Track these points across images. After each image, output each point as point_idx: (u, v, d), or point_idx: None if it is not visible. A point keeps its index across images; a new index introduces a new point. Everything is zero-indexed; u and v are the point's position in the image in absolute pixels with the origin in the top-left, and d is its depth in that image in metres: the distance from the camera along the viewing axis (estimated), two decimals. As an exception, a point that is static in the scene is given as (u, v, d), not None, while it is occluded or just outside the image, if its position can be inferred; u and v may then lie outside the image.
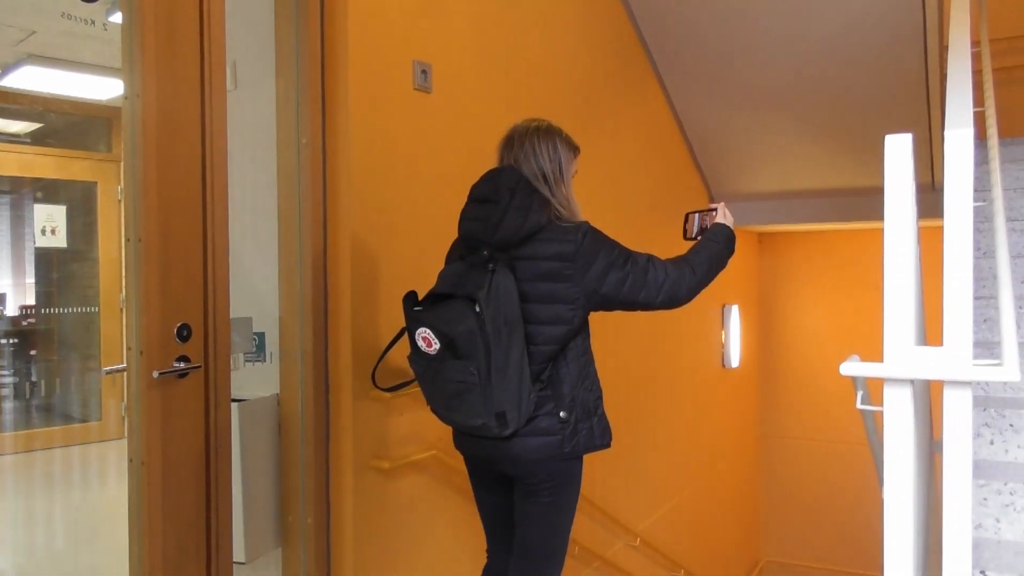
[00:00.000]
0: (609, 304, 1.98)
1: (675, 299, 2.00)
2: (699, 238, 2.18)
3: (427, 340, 1.89)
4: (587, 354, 2.02)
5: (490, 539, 2.23)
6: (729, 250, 2.14)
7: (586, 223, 1.97)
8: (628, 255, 1.97)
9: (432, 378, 1.95)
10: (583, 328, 1.99)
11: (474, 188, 2.02)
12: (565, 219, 1.97)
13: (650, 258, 2.00)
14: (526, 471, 1.97)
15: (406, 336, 2.04)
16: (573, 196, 2.04)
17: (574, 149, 2.07)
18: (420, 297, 1.99)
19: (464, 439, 2.09)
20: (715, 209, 2.21)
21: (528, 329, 1.89)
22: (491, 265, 1.86)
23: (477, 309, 1.81)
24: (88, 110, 4.97)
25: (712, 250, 2.10)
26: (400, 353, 2.24)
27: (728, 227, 2.17)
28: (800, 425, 7.11)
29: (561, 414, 1.93)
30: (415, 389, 2.54)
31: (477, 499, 2.20)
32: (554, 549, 2.05)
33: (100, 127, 5.23)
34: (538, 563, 2.05)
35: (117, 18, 2.05)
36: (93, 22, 3.57)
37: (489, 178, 1.99)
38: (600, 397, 2.05)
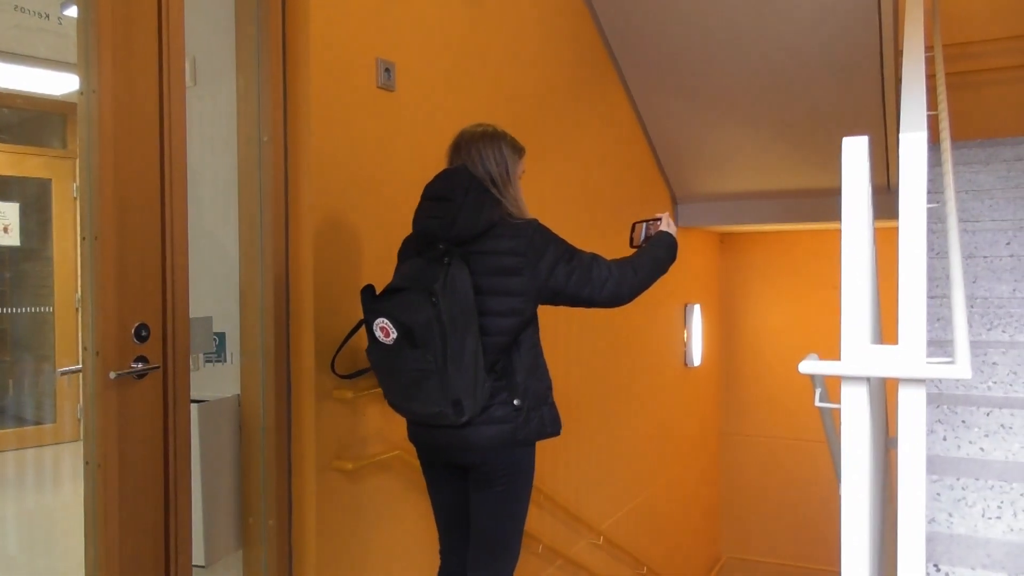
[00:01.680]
0: (557, 298, 2.06)
1: (618, 297, 2.09)
2: (643, 245, 2.28)
3: (385, 330, 1.95)
4: (537, 346, 2.11)
5: (444, 541, 2.27)
6: (671, 256, 2.23)
7: (535, 220, 2.06)
8: (574, 251, 2.06)
9: (389, 368, 2.00)
10: (533, 320, 2.08)
11: (428, 187, 2.09)
12: (515, 217, 2.06)
13: (594, 256, 2.08)
14: (481, 459, 2.03)
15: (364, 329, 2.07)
16: (521, 196, 2.13)
17: (519, 151, 2.16)
18: (378, 291, 2.04)
19: (419, 430, 2.13)
20: (660, 219, 2.31)
21: (482, 321, 1.96)
22: (447, 259, 1.94)
23: (434, 300, 1.88)
24: (42, 105, 4.85)
25: (654, 255, 2.19)
26: (362, 346, 2.22)
27: (671, 235, 2.27)
28: (760, 423, 7.22)
29: (515, 402, 2.01)
30: (378, 390, 2.53)
31: (432, 496, 2.24)
32: (509, 538, 2.12)
33: (54, 123, 5.11)
34: (495, 552, 2.11)
35: (72, 11, 2.00)
36: (47, 15, 3.48)
37: (444, 177, 2.07)
38: (550, 387, 2.13)
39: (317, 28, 2.34)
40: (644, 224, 2.32)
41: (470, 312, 1.92)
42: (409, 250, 2.15)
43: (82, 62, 1.87)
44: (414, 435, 2.17)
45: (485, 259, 1.98)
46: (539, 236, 2.01)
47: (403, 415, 2.12)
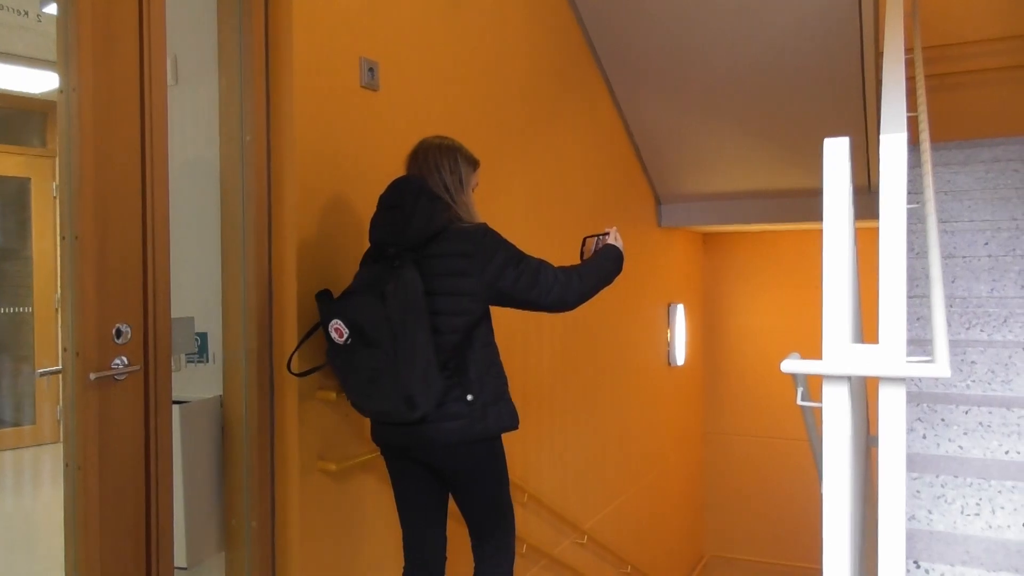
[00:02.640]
0: (506, 299, 2.13)
1: (563, 302, 2.16)
2: None
3: (339, 330, 2.03)
4: (491, 346, 2.18)
5: (408, 547, 2.31)
6: (617, 267, 2.32)
7: (485, 224, 2.13)
8: (522, 256, 2.13)
9: (345, 368, 2.08)
10: (485, 319, 2.15)
11: (382, 197, 2.17)
12: (465, 222, 2.15)
13: (542, 262, 2.16)
14: (442, 457, 2.12)
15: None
16: (473, 205, 2.23)
17: (473, 163, 2.26)
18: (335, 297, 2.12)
19: (381, 429, 2.20)
20: (608, 232, 2.40)
21: (435, 321, 2.03)
22: (397, 263, 2.03)
23: (384, 301, 1.96)
24: (21, 103, 4.79)
25: (600, 265, 2.28)
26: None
27: (617, 248, 2.35)
28: (743, 422, 7.26)
29: (468, 397, 2.07)
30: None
31: (397, 498, 2.29)
32: (497, 521, 2.24)
33: (34, 121, 5.06)
34: (494, 532, 2.24)
35: (52, 9, 1.98)
36: (27, 13, 3.45)
37: (395, 187, 2.16)
38: (506, 384, 2.20)
39: (300, 27, 2.33)
40: (595, 238, 2.41)
41: (420, 311, 1.98)
42: (367, 257, 2.22)
43: (62, 60, 1.86)
44: (377, 434, 2.24)
45: (436, 262, 2.06)
46: (488, 239, 2.09)
47: (363, 414, 2.20)
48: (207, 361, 2.42)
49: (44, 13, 3.41)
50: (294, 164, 2.32)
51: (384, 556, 2.68)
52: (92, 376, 1.85)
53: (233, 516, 2.35)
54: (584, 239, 2.43)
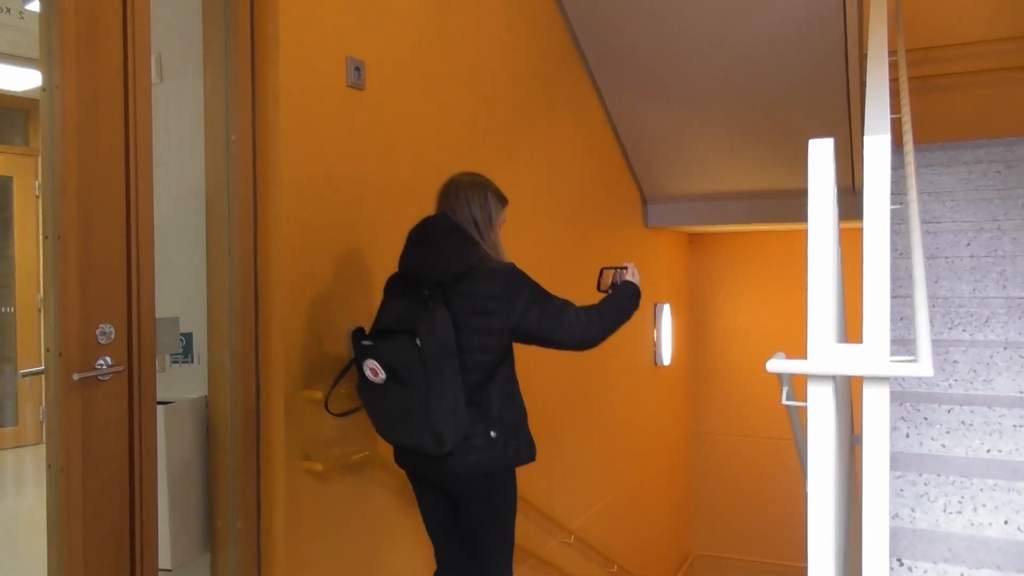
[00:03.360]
0: (529, 338, 2.19)
1: (585, 342, 2.22)
2: (610, 291, 2.41)
3: (374, 371, 2.09)
4: (513, 381, 2.25)
5: (437, 551, 2.43)
6: (635, 304, 2.37)
7: (512, 264, 2.20)
8: (547, 296, 2.19)
9: (378, 404, 2.16)
10: (508, 356, 2.22)
11: (412, 232, 2.21)
12: (493, 260, 2.21)
13: (565, 302, 2.21)
14: (463, 486, 2.20)
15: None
16: (500, 241, 2.28)
17: (503, 201, 2.31)
18: (367, 331, 2.19)
19: (406, 456, 2.29)
20: (627, 267, 2.45)
21: (461, 357, 2.09)
22: (430, 303, 2.08)
23: (418, 342, 2.02)
24: (3, 101, 4.75)
25: (620, 304, 2.33)
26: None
27: (635, 285, 2.41)
28: (729, 421, 7.29)
29: (492, 433, 2.14)
30: (348, 391, 2.52)
31: (422, 513, 2.40)
32: (502, 546, 2.31)
33: (16, 119, 5.01)
34: (492, 558, 2.31)
35: (35, 6, 1.96)
36: (8, 10, 3.41)
37: (425, 224, 2.21)
38: (525, 417, 2.28)
39: (286, 25, 2.32)
40: (613, 271, 2.46)
41: (451, 352, 2.06)
42: (395, 289, 2.27)
43: (44, 57, 1.84)
44: (401, 460, 2.32)
45: (464, 300, 2.11)
46: (515, 279, 2.15)
47: (390, 443, 2.27)
48: (192, 361, 2.40)
49: (27, 10, 3.38)
50: (280, 163, 2.31)
51: (369, 556, 2.67)
52: (75, 377, 1.83)
53: (218, 517, 2.33)
54: (602, 270, 2.48)
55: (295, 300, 2.36)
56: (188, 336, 2.40)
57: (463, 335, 2.10)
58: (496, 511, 2.26)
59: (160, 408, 2.11)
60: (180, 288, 2.37)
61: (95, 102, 1.90)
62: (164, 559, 2.16)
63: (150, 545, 2.03)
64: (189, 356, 2.41)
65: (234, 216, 2.30)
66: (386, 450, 2.66)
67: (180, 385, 2.37)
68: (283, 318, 2.32)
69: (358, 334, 2.18)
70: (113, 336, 1.93)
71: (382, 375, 2.07)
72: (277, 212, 2.31)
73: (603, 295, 2.40)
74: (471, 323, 2.11)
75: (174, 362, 2.42)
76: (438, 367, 2.03)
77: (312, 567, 2.43)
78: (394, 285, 2.28)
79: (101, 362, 1.90)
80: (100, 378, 1.90)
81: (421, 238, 2.18)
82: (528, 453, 2.25)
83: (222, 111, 2.30)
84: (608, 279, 2.46)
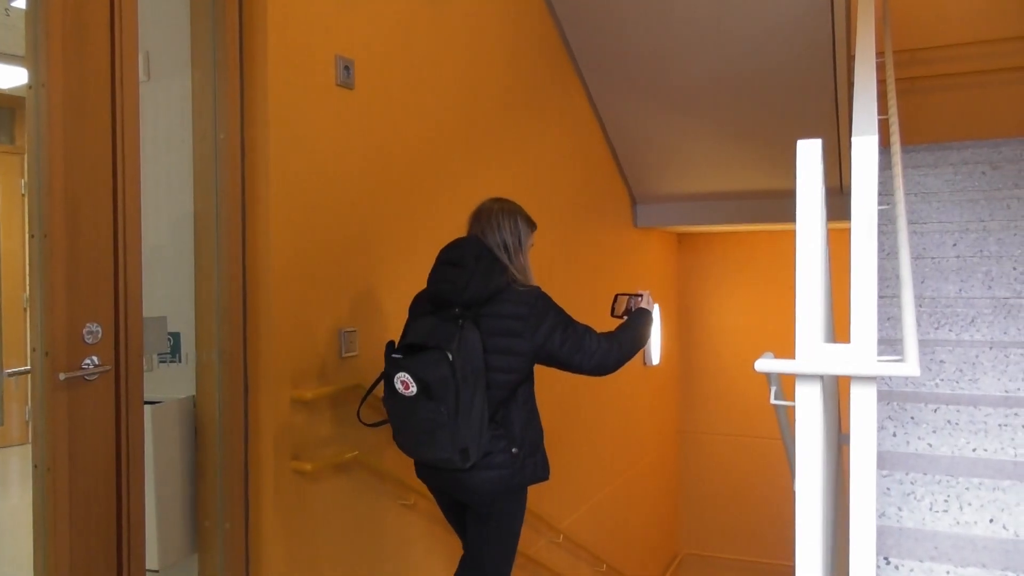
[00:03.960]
0: (550, 360, 2.26)
1: (603, 367, 2.29)
2: (624, 317, 2.48)
3: (405, 384, 2.15)
4: (532, 400, 2.33)
5: (462, 540, 2.52)
6: (649, 332, 2.47)
7: (538, 288, 2.28)
8: (570, 321, 2.27)
9: (405, 416, 2.20)
10: (530, 377, 2.30)
11: (443, 252, 2.29)
12: (520, 283, 2.29)
13: (588, 328, 2.29)
14: (480, 500, 2.27)
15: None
16: (529, 265, 2.36)
17: (532, 225, 2.39)
18: (396, 345, 2.25)
19: (427, 471, 2.36)
20: (642, 295, 2.51)
21: (487, 376, 2.18)
22: (460, 321, 2.16)
23: (450, 358, 2.09)
24: (-12, 99, 4.71)
25: (637, 333, 2.40)
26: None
27: (650, 312, 2.49)
28: (717, 421, 7.31)
29: (513, 450, 2.23)
30: (338, 392, 2.51)
31: (443, 513, 2.52)
32: (502, 563, 2.38)
33: (2, 117, 4.97)
34: (500, 564, 2.38)
35: (21, 3, 1.95)
36: (-6, 6, 3.37)
37: (456, 246, 2.29)
38: (542, 436, 2.36)
39: (275, 24, 2.31)
40: (628, 297, 2.52)
41: (480, 371, 2.14)
42: (422, 307, 2.32)
43: (31, 55, 1.82)
44: (423, 475, 2.39)
45: (492, 321, 2.19)
46: (541, 303, 2.23)
47: (413, 458, 2.33)
48: (180, 361, 2.39)
49: (12, 7, 3.34)
50: (268, 162, 2.30)
51: (359, 556, 2.66)
52: (62, 376, 1.82)
53: (206, 517, 2.32)
54: (616, 296, 2.54)
55: (284, 299, 2.35)
56: (176, 335, 2.38)
57: (488, 355, 2.17)
58: (505, 525, 2.33)
59: (147, 408, 2.10)
60: (168, 287, 2.36)
61: (82, 100, 1.88)
62: (151, 560, 2.14)
63: (137, 546, 2.02)
64: (177, 356, 2.39)
65: (222, 215, 2.29)
66: (376, 451, 2.66)
67: (168, 385, 2.36)
68: (271, 317, 2.31)
69: (390, 347, 2.24)
70: (100, 335, 1.92)
71: (413, 388, 2.14)
72: (265, 211, 2.30)
73: (617, 320, 2.46)
74: (497, 344, 2.18)
75: (162, 362, 2.41)
76: (467, 384, 2.11)
77: (301, 568, 2.42)
78: (421, 303, 2.34)
79: (88, 362, 1.89)
80: (87, 378, 1.89)
81: (452, 260, 2.24)
82: (544, 471, 2.33)
83: (210, 109, 2.29)
84: (623, 305, 2.51)
